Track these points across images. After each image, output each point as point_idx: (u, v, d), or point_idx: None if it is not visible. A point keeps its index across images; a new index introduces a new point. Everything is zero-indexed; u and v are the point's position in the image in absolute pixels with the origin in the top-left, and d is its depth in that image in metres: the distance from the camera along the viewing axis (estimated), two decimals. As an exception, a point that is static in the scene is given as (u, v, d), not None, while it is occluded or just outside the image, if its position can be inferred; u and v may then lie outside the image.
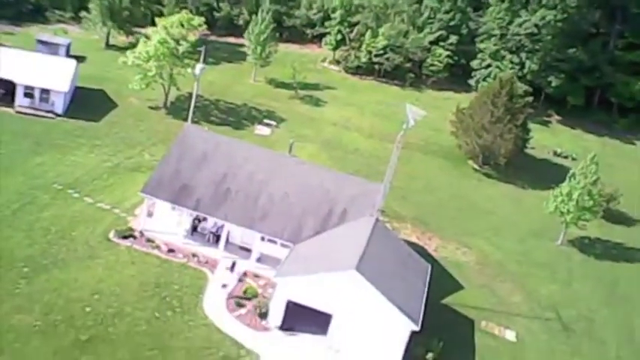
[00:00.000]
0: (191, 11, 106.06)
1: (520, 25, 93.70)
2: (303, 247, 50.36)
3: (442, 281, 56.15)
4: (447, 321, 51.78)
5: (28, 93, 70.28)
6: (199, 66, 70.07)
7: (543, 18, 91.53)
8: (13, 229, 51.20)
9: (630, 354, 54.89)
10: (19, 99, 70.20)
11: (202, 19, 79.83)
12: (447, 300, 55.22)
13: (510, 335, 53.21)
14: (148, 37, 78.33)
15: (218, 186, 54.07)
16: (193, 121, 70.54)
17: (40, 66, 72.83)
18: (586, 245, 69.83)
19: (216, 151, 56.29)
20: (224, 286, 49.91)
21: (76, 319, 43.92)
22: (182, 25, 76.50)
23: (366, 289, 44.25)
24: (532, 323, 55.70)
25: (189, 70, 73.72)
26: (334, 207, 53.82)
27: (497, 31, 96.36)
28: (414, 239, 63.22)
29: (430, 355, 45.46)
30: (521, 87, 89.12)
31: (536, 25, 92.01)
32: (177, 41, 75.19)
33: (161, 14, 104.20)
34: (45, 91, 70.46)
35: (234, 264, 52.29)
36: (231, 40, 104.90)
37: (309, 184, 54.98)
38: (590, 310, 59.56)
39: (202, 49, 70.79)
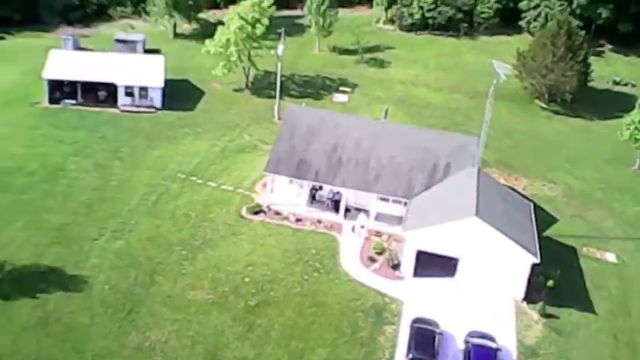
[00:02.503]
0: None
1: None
2: (419, 201, 56.35)
3: (538, 216, 61.71)
4: (552, 251, 57.57)
5: (129, 92, 76.43)
6: (281, 46, 76.09)
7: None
8: (159, 218, 57.92)
9: None
10: (122, 99, 76.45)
11: (272, 0, 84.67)
12: (547, 232, 60.98)
13: (611, 257, 59.07)
14: (222, 24, 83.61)
15: (330, 156, 60.01)
16: (280, 99, 76.83)
17: (134, 65, 79.06)
18: (661, 166, 75.05)
19: (321, 125, 62.08)
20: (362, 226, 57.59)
21: (241, 288, 50.68)
22: (254, 9, 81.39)
23: (488, 232, 50.27)
24: (626, 244, 61.49)
25: (271, 51, 79.04)
26: (438, 162, 59.52)
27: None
28: (502, 182, 68.67)
29: (550, 282, 51.45)
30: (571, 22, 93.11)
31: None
32: (252, 25, 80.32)
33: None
34: (143, 89, 76.59)
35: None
36: (285, 12, 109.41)
37: (411, 144, 60.68)
38: (677, 225, 65.14)
39: (282, 30, 76.29)
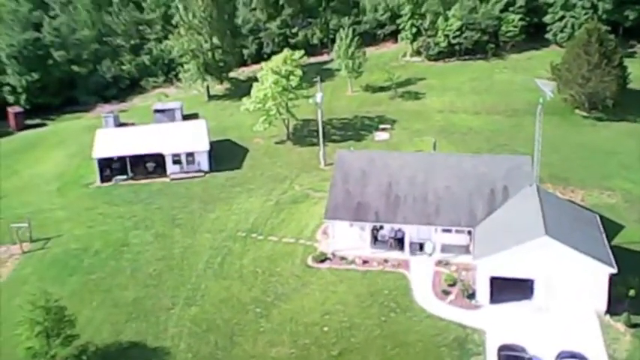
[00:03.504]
0: (267, 44, 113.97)
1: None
2: (484, 228, 56.09)
3: (603, 225, 60.91)
4: (626, 258, 56.36)
5: (176, 160, 77.78)
6: (319, 94, 77.18)
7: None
8: (228, 279, 58.48)
9: None
10: (170, 167, 77.77)
11: (302, 51, 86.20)
12: (616, 240, 59.86)
13: (686, 257, 57.89)
14: (255, 80, 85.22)
15: (387, 195, 60.24)
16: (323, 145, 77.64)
17: (178, 133, 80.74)
18: None
19: (372, 166, 62.52)
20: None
21: (321, 338, 50.73)
22: (286, 62, 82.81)
23: (560, 249, 49.83)
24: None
25: (309, 100, 79.96)
26: (495, 186, 59.35)
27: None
28: (559, 196, 68.03)
29: (632, 291, 50.57)
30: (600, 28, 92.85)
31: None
32: (286, 77, 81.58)
33: (242, 57, 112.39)
34: (190, 155, 77.88)
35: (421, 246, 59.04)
36: (312, 60, 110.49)
37: (465, 172, 60.71)
38: None
39: (317, 79, 77.36)
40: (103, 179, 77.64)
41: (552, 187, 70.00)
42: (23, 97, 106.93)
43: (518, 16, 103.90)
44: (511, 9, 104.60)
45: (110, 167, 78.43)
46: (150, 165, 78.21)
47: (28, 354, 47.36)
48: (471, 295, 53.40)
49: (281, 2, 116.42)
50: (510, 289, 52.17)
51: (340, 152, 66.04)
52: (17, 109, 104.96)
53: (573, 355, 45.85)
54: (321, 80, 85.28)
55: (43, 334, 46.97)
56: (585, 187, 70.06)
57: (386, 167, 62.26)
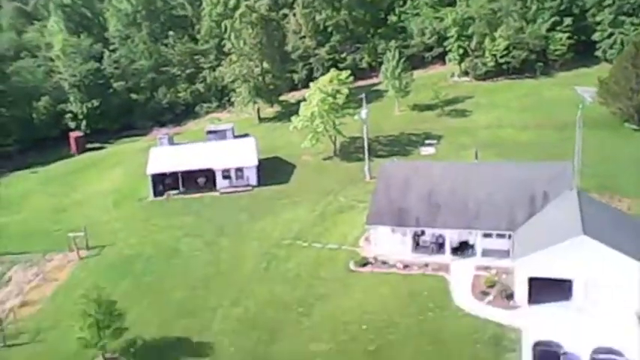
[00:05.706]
0: (317, 69, 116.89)
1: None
2: (523, 231, 56.47)
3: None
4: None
5: (226, 175, 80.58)
6: (364, 110, 78.96)
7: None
8: (273, 282, 60.33)
9: None
10: (220, 182, 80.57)
11: (348, 71, 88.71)
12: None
13: None
14: (305, 100, 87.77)
15: (428, 202, 61.31)
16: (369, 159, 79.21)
17: (227, 150, 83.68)
18: None
19: (415, 175, 63.83)
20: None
21: (359, 335, 51.84)
22: (332, 82, 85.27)
23: (598, 248, 49.88)
24: None
25: (355, 117, 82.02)
26: (535, 192, 59.70)
27: (609, 1, 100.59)
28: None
29: (672, 290, 50.15)
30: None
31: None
32: (333, 96, 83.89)
33: (293, 81, 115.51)
34: (239, 170, 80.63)
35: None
36: (361, 83, 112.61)
37: (505, 180, 61.29)
38: None
39: (363, 95, 79.57)
40: (157, 194, 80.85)
41: (599, 196, 69.42)
42: (84, 122, 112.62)
43: (566, 35, 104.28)
44: (558, 28, 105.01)
45: (163, 183, 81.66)
46: (201, 180, 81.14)
47: (80, 344, 50.00)
48: (510, 296, 53.69)
49: (330, 29, 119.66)
50: (549, 289, 52.19)
51: (383, 164, 67.58)
52: (78, 133, 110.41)
53: (610, 351, 45.68)
54: (369, 101, 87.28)
55: (94, 325, 49.44)
56: (632, 197, 69.34)
57: (429, 175, 63.42)
